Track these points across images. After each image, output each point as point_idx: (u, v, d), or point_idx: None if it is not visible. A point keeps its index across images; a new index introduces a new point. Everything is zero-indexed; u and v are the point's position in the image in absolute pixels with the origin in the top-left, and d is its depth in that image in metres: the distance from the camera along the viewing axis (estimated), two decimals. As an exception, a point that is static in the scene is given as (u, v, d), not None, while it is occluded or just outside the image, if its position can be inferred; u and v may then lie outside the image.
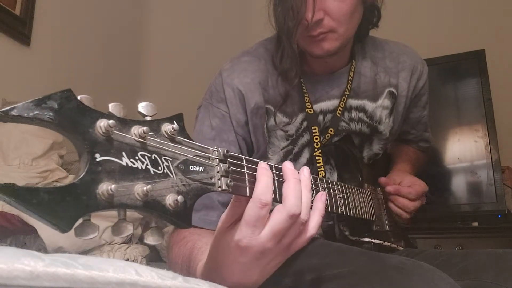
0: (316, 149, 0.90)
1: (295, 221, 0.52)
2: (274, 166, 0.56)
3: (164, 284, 0.35)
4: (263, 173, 0.51)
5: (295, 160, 0.93)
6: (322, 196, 0.57)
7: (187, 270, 0.66)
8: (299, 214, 0.52)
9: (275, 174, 0.55)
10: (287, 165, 0.55)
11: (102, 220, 1.20)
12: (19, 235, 1.23)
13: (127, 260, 1.33)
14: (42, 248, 1.18)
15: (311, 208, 0.56)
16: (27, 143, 1.44)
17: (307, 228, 0.54)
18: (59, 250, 1.17)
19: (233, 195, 0.52)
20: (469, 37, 2.09)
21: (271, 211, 0.51)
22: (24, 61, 1.78)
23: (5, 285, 0.28)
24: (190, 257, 0.66)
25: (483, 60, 1.85)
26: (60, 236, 1.18)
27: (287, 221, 0.50)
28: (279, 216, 0.50)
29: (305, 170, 0.56)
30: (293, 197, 0.51)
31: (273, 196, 0.51)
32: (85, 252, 1.27)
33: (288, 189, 0.52)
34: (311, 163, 0.92)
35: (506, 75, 2.02)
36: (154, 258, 1.56)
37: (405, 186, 0.98)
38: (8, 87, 1.63)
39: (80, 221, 0.35)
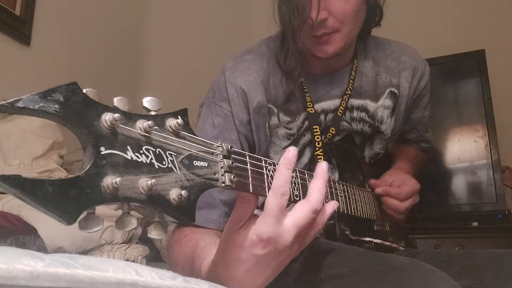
0: (317, 149, 0.90)
1: (315, 218, 0.54)
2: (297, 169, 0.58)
3: (164, 284, 0.35)
4: (286, 164, 0.52)
5: (296, 159, 0.93)
6: (334, 205, 0.59)
7: (190, 268, 0.65)
8: (320, 211, 0.54)
9: (298, 177, 0.57)
10: (323, 166, 0.57)
11: (102, 220, 1.19)
12: (19, 235, 1.23)
13: (127, 260, 1.32)
14: (42, 248, 1.18)
15: None
16: (27, 143, 1.44)
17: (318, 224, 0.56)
18: (59, 250, 1.17)
19: (238, 196, 0.52)
20: (469, 37, 2.09)
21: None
22: (24, 61, 1.78)
23: (5, 285, 0.28)
24: (194, 255, 0.66)
25: (483, 60, 1.85)
26: (60, 236, 1.18)
27: (310, 215, 0.52)
28: (303, 209, 0.52)
29: (324, 164, 0.58)
30: (319, 194, 0.53)
31: (297, 192, 0.54)
32: (85, 252, 1.27)
33: (316, 187, 0.54)
34: (312, 162, 0.92)
35: (506, 75, 2.02)
36: (154, 258, 1.56)
37: (395, 186, 0.97)
38: (8, 87, 1.63)
39: (84, 214, 0.35)
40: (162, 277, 0.36)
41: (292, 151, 0.53)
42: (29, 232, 1.21)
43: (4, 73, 1.66)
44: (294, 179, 0.59)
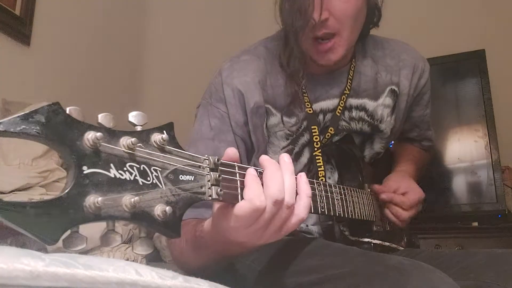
0: (316, 149, 0.90)
1: (281, 207, 0.52)
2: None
3: (164, 284, 0.35)
4: (253, 179, 0.52)
5: (296, 160, 0.93)
6: (302, 177, 0.57)
7: (192, 236, 0.67)
8: (283, 199, 0.52)
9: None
10: (263, 157, 0.55)
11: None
12: (19, 235, 1.23)
13: (127, 260, 1.32)
14: (42, 248, 1.17)
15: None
16: (27, 143, 1.43)
17: (293, 211, 0.55)
18: (59, 250, 1.17)
19: None
20: (469, 37, 2.09)
21: None
22: (24, 61, 1.78)
23: (5, 285, 0.28)
24: (196, 226, 0.67)
25: (483, 60, 1.85)
26: (60, 236, 1.17)
27: (271, 208, 0.51)
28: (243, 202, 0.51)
29: (285, 156, 0.56)
30: (274, 183, 0.52)
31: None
32: (85, 252, 1.27)
33: (267, 176, 0.53)
34: (311, 162, 0.92)
35: (506, 75, 2.02)
36: (154, 258, 1.56)
37: (400, 193, 0.96)
38: (8, 87, 1.63)
39: (68, 232, 0.35)
40: (162, 276, 0.36)
41: (286, 155, 0.55)
42: (29, 232, 1.21)
43: (4, 73, 1.66)
44: None
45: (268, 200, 0.51)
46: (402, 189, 0.96)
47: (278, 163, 0.55)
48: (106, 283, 0.32)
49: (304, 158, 0.93)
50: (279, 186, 0.52)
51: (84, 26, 2.12)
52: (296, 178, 0.56)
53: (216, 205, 0.55)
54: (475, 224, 1.77)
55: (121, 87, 2.38)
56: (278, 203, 0.52)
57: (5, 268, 0.28)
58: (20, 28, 1.75)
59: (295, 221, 0.55)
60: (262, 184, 0.52)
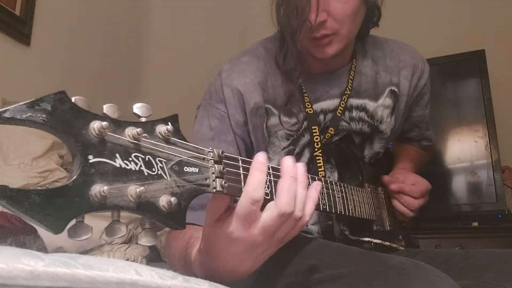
0: (316, 149, 0.90)
1: (288, 219, 0.52)
2: (271, 166, 0.56)
3: (164, 284, 0.35)
4: (257, 167, 0.51)
5: (296, 160, 0.93)
6: (317, 186, 0.58)
7: (184, 260, 0.66)
8: (291, 212, 0.52)
9: (271, 174, 0.55)
10: (287, 162, 0.55)
11: (102, 220, 1.19)
12: (19, 235, 1.23)
13: (127, 260, 1.32)
14: (42, 248, 1.18)
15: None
16: (27, 143, 1.44)
17: (299, 221, 0.55)
18: (59, 250, 1.17)
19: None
20: (469, 37, 2.09)
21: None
22: (24, 61, 1.78)
23: (5, 285, 0.28)
24: (187, 246, 0.66)
25: (483, 60, 1.85)
26: (60, 236, 1.17)
27: (278, 219, 0.51)
28: (270, 213, 0.51)
29: (301, 167, 0.56)
30: (286, 196, 0.52)
31: (268, 191, 0.52)
32: (85, 252, 1.27)
33: (283, 188, 0.52)
34: (311, 162, 0.92)
35: (506, 75, 2.02)
36: (154, 258, 1.56)
37: (408, 184, 0.97)
38: (8, 87, 1.63)
39: (73, 222, 0.35)
40: (162, 276, 0.36)
41: (261, 154, 0.52)
42: (29, 232, 1.21)
43: (4, 73, 1.66)
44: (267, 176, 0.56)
45: (275, 211, 0.51)
46: (410, 181, 0.98)
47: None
48: (106, 283, 0.32)
49: (305, 158, 0.93)
50: (290, 199, 0.52)
51: (84, 26, 2.12)
52: (311, 185, 0.57)
53: (208, 217, 0.53)
54: (475, 224, 1.77)
55: (121, 87, 2.38)
56: (285, 216, 0.52)
57: (5, 268, 0.28)
58: (20, 28, 1.75)
59: (299, 228, 0.55)
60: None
